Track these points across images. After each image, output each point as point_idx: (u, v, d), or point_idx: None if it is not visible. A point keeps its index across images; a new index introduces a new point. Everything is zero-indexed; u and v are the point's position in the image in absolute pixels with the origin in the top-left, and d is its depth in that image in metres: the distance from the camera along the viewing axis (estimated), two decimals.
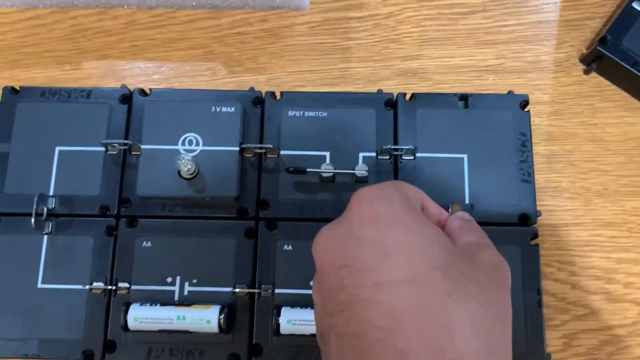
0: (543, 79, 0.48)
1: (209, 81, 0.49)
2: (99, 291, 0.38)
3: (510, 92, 0.43)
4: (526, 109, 0.42)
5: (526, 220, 0.40)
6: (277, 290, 0.38)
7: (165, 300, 0.38)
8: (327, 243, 0.28)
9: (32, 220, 0.38)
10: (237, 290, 0.38)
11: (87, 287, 0.38)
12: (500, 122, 0.42)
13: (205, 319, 0.36)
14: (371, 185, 0.29)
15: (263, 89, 0.44)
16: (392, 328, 0.24)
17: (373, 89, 0.45)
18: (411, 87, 0.48)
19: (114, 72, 0.49)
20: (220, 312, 0.37)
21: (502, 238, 0.39)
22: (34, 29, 0.51)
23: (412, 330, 0.24)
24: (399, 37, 0.49)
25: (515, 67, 0.48)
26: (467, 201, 0.40)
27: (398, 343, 0.23)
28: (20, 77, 0.49)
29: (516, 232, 0.40)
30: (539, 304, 0.39)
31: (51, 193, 0.40)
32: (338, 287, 0.26)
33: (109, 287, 0.38)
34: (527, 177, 0.40)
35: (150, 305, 0.37)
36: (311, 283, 0.37)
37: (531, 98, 0.41)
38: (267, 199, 0.40)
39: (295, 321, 0.36)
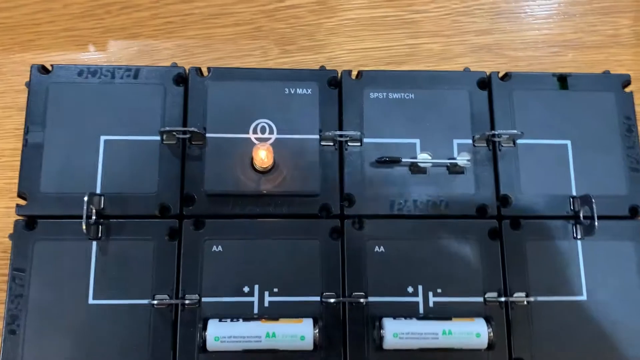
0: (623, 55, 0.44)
1: (260, 62, 0.43)
2: (163, 306, 0.33)
3: (606, 72, 0.39)
4: (628, 89, 0.38)
5: (636, 213, 0.36)
6: (371, 299, 0.33)
7: (243, 313, 0.33)
8: None
9: (83, 223, 0.32)
10: (328, 299, 0.33)
11: (149, 301, 0.33)
12: (602, 104, 0.37)
13: (298, 334, 0.31)
14: None
15: None
16: None
17: (446, 67, 0.41)
18: (487, 65, 0.43)
19: (148, 53, 0.43)
20: (314, 326, 0.32)
21: (613, 232, 0.35)
22: (46, 4, 0.44)
23: None
24: (470, 10, 0.44)
25: (594, 41, 0.44)
26: (574, 192, 0.36)
27: None
28: (35, 61, 0.42)
29: (628, 225, 0.36)
30: None
31: (98, 191, 0.34)
32: None
33: (176, 301, 0.32)
34: (636, 165, 0.37)
35: (232, 320, 0.32)
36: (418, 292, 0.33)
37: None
38: (352, 194, 0.35)
39: (402, 334, 0.32)
